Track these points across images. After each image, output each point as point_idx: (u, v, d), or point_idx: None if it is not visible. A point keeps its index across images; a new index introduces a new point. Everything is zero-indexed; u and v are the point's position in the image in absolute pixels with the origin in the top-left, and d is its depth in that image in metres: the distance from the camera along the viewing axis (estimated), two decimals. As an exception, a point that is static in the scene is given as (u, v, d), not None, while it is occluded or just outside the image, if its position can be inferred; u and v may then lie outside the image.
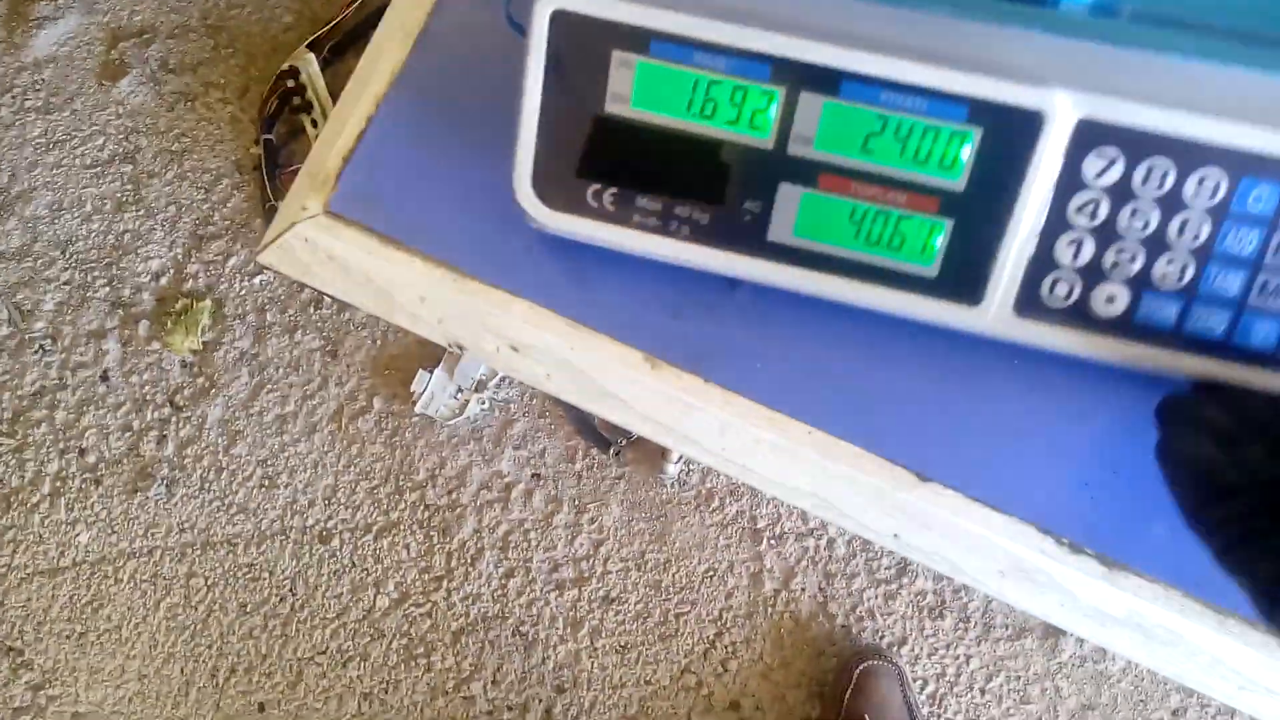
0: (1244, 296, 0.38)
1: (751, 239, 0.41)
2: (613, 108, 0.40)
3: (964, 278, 0.40)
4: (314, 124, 1.43)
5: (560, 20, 0.39)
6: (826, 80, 0.38)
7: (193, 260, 1.44)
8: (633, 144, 0.40)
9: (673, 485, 1.32)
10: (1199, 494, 0.32)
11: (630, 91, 0.40)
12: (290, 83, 1.42)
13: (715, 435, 0.45)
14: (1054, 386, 0.44)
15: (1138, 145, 0.37)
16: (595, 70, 0.40)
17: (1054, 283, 0.39)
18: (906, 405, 0.45)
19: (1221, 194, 0.37)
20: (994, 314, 0.40)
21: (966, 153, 0.38)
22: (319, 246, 0.48)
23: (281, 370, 1.40)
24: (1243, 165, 0.37)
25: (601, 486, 1.33)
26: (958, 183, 0.39)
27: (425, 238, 0.48)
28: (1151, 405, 0.41)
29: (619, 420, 0.46)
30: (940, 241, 0.40)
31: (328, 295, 0.49)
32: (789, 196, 0.40)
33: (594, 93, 0.40)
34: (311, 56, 1.42)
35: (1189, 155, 0.37)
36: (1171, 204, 0.38)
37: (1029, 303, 0.40)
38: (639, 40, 0.39)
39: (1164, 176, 0.37)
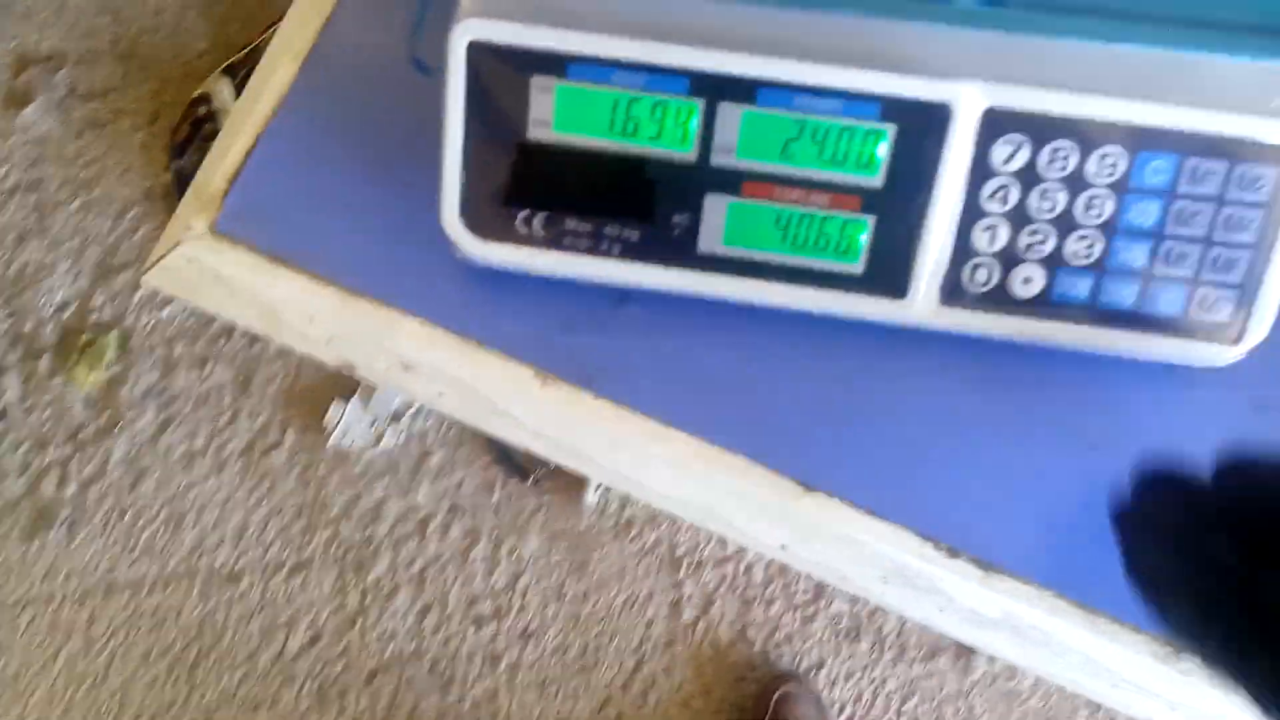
0: (1150, 266, 0.40)
1: (683, 252, 0.42)
2: (535, 133, 0.41)
3: (889, 272, 0.42)
4: (226, 152, 1.40)
5: (477, 51, 0.40)
6: (743, 90, 0.39)
7: (99, 292, 1.40)
8: (559, 167, 0.41)
9: (592, 514, 1.32)
10: (1180, 613, 0.32)
11: (552, 116, 0.40)
12: (203, 109, 1.40)
13: (606, 451, 0.45)
14: (937, 394, 0.45)
15: (1041, 129, 0.39)
16: (515, 97, 0.40)
17: (974, 269, 0.41)
18: (792, 414, 0.45)
19: (1121, 169, 0.39)
20: (920, 305, 0.42)
21: (882, 150, 0.40)
22: (205, 266, 0.47)
23: (190, 405, 1.37)
24: (1139, 140, 0.39)
25: (520, 518, 1.32)
26: (876, 180, 0.40)
27: (313, 257, 0.47)
28: (1032, 412, 0.43)
29: (511, 438, 0.46)
30: (864, 238, 0.41)
31: (215, 316, 0.48)
32: (716, 207, 0.41)
33: (516, 119, 0.40)
34: (226, 82, 1.40)
35: (1089, 135, 0.39)
36: (1076, 183, 0.40)
37: (952, 291, 0.41)
38: (556, 64, 0.40)
39: (1067, 157, 0.39)
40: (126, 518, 1.35)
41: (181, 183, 1.41)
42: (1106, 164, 0.39)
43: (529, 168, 0.41)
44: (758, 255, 0.42)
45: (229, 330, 1.38)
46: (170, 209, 1.42)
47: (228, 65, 1.44)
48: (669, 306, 0.45)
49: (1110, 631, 0.44)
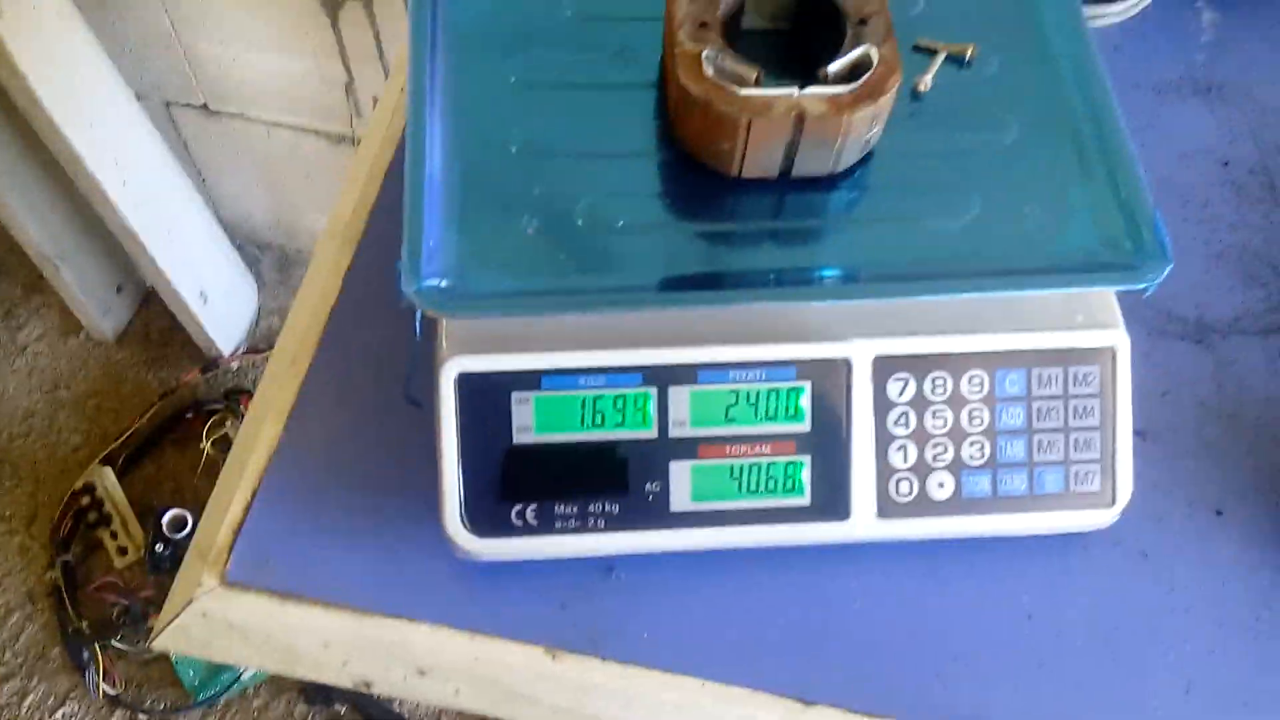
0: (1030, 457, 0.50)
1: (658, 515, 0.49)
2: (520, 438, 0.48)
3: (831, 499, 0.50)
4: (113, 535, 1.40)
5: (463, 380, 0.48)
6: (686, 374, 0.49)
7: (-18, 708, 1.32)
8: (543, 464, 0.48)
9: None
10: None
11: (532, 421, 0.48)
12: (86, 499, 1.41)
13: (621, 709, 0.50)
14: (891, 594, 0.52)
15: (920, 366, 0.49)
16: (500, 411, 0.48)
17: (897, 483, 0.50)
18: (777, 638, 0.51)
19: (987, 387, 0.50)
20: (861, 522, 0.50)
21: (804, 401, 0.49)
22: (217, 618, 0.50)
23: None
24: (994, 362, 0.50)
25: None
26: (805, 426, 0.49)
27: (323, 586, 0.51)
28: (979, 595, 0.52)
29: (528, 718, 0.50)
30: (805, 475, 0.49)
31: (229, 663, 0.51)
32: (680, 472, 0.49)
33: (502, 429, 0.48)
34: (108, 470, 1.42)
35: (956, 364, 0.50)
36: (957, 402, 0.50)
37: (885, 505, 0.50)
38: (532, 380, 0.48)
39: (945, 384, 0.50)
40: None
41: (69, 576, 1.38)
42: (975, 384, 0.50)
43: (518, 468, 0.48)
44: (721, 505, 0.49)
45: (133, 717, 1.31)
46: (54, 606, 1.38)
47: (106, 455, 1.46)
48: (652, 564, 0.51)
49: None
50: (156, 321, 1.58)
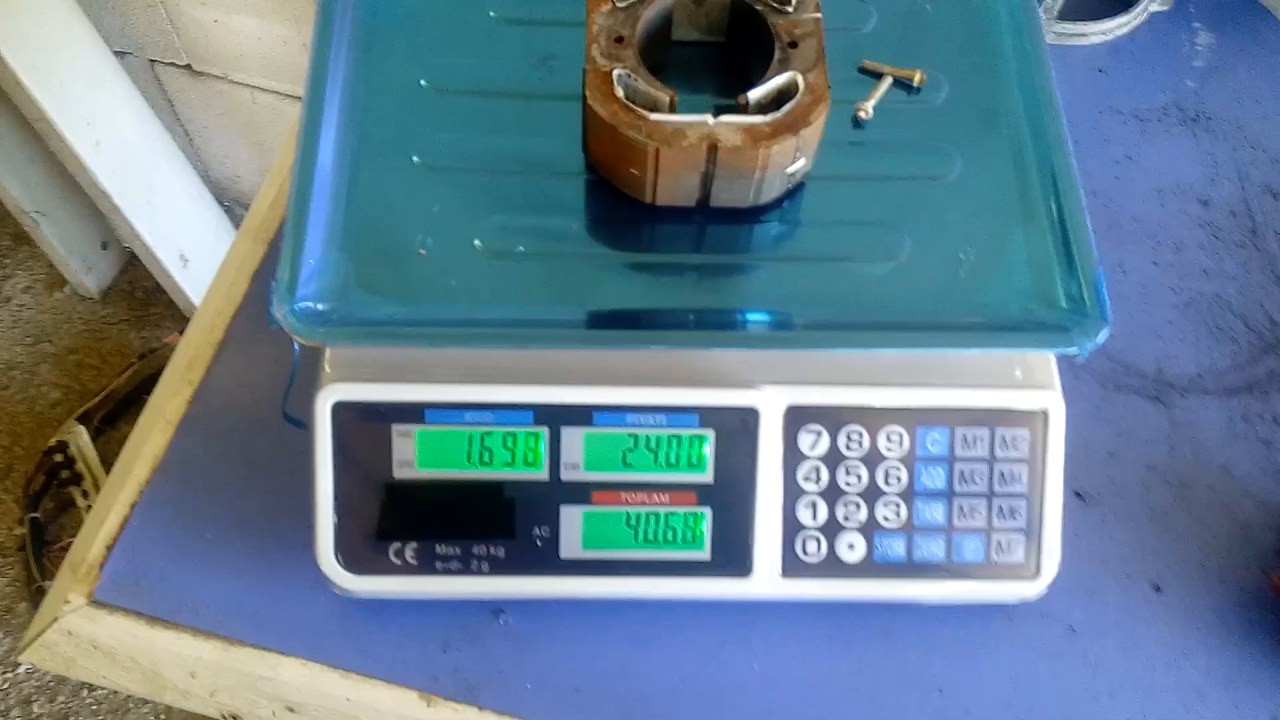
0: (949, 522, 0.46)
1: (546, 561, 0.46)
2: (400, 473, 0.45)
3: (732, 554, 0.46)
4: (84, 495, 1.39)
5: (341, 409, 0.45)
6: (580, 415, 0.45)
7: (-54, 660, 1.32)
8: (425, 500, 0.45)
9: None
10: None
11: (414, 456, 0.45)
12: (59, 457, 1.40)
13: None
14: (792, 659, 0.49)
15: (835, 418, 0.46)
16: (380, 444, 0.45)
17: (804, 542, 0.46)
18: (665, 697, 0.48)
19: (906, 444, 0.46)
20: (764, 580, 0.46)
21: (707, 450, 0.46)
22: (82, 638, 0.48)
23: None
24: (914, 419, 0.46)
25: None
26: (707, 476, 0.46)
27: (193, 612, 0.49)
28: (881, 664, 0.48)
29: None
30: (706, 527, 0.46)
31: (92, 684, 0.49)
32: (571, 517, 0.46)
33: (381, 463, 0.45)
34: (82, 429, 1.41)
35: (874, 418, 0.46)
36: (873, 459, 0.46)
37: (790, 564, 0.46)
38: (414, 413, 0.45)
39: (861, 438, 0.46)
40: None
41: (37, 533, 1.38)
42: (893, 441, 0.46)
43: (397, 504, 0.45)
44: (615, 554, 0.46)
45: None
46: (23, 562, 1.38)
47: (83, 412, 1.45)
48: (542, 610, 0.49)
49: None
50: (142, 280, 1.56)
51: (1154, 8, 0.69)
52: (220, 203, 1.52)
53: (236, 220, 1.58)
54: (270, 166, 0.62)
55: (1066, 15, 0.67)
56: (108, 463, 1.41)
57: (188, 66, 1.28)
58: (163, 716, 1.30)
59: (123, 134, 1.23)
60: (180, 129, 1.42)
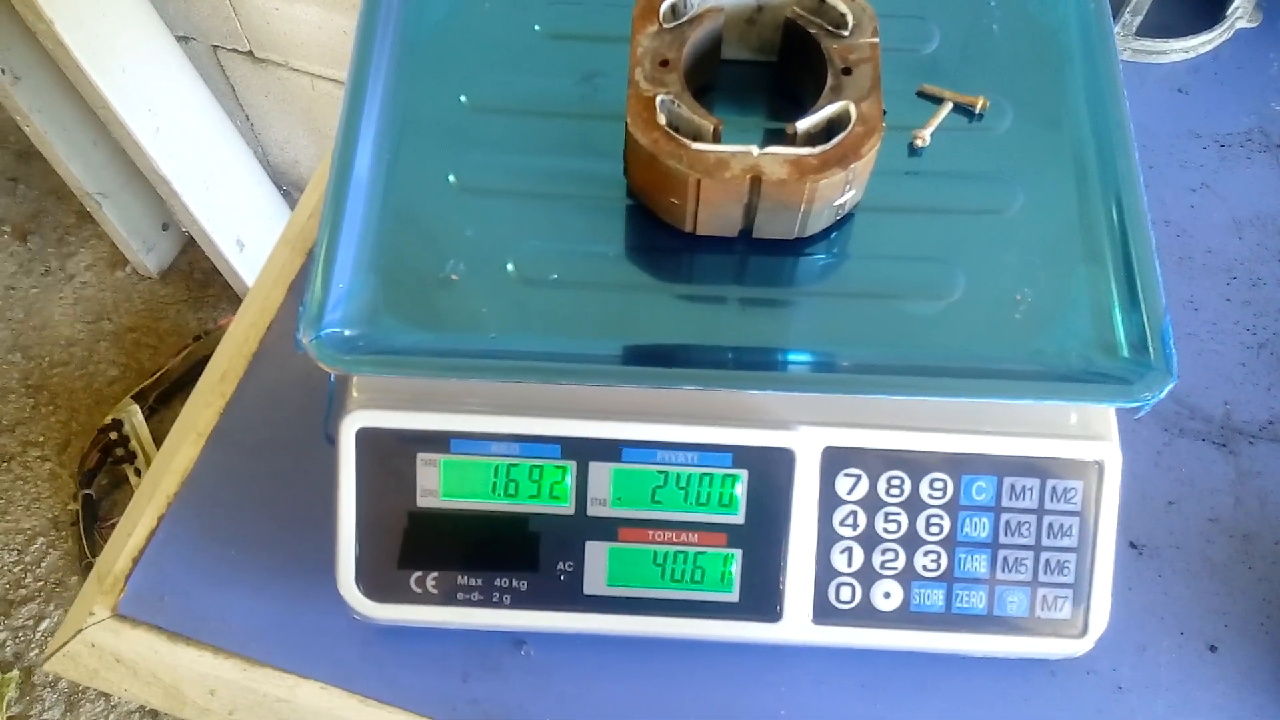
0: (992, 574, 0.44)
1: (570, 596, 0.45)
2: (424, 501, 0.44)
3: (762, 598, 0.45)
4: (138, 473, 1.42)
5: (366, 436, 0.44)
6: (609, 450, 0.44)
7: (1, 628, 1.35)
8: (448, 530, 0.44)
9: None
10: None
11: (439, 485, 0.44)
12: (113, 435, 1.42)
13: None
14: (822, 708, 0.47)
15: (875, 462, 0.44)
16: (404, 471, 0.44)
17: (838, 588, 0.44)
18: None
19: (950, 492, 0.44)
20: (793, 625, 0.45)
21: (739, 490, 0.44)
22: (105, 651, 0.48)
23: (96, 739, 1.30)
24: (959, 466, 0.44)
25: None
26: (738, 517, 0.44)
27: (215, 630, 0.49)
28: (915, 715, 0.46)
29: None
30: (735, 569, 0.44)
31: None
32: (596, 553, 0.44)
33: (405, 491, 0.44)
34: (136, 408, 1.44)
35: (916, 464, 0.44)
36: (914, 506, 0.44)
37: (821, 610, 0.44)
38: (439, 442, 0.44)
39: (902, 484, 0.44)
40: None
41: (89, 509, 1.40)
42: (936, 488, 0.44)
43: (419, 533, 0.44)
44: (640, 592, 0.45)
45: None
46: (76, 537, 1.41)
47: (138, 391, 1.47)
48: (564, 644, 0.48)
49: None
50: (200, 262, 1.58)
51: (1241, 24, 0.65)
52: (279, 188, 1.53)
53: (294, 205, 1.59)
54: (327, 154, 0.62)
55: (1146, 31, 0.64)
56: (160, 442, 1.44)
57: (249, 53, 1.29)
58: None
59: (183, 119, 1.24)
60: (241, 114, 1.43)
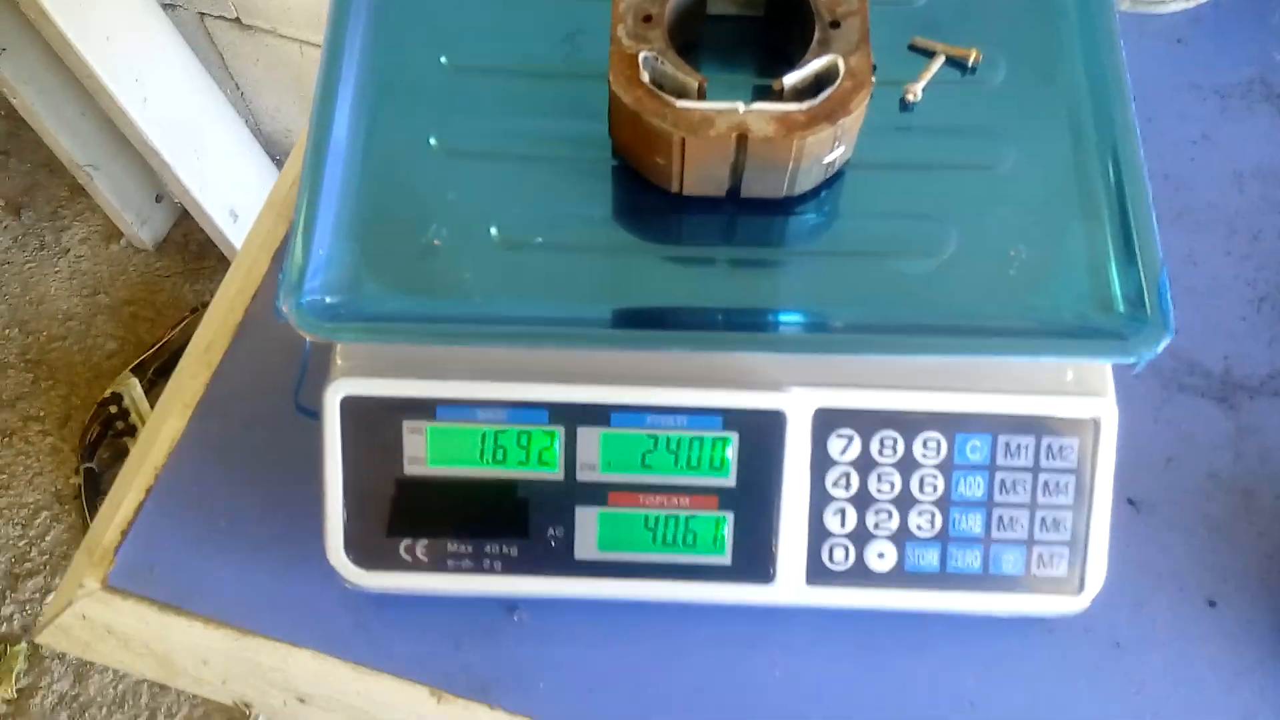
0: (988, 533, 0.44)
1: (561, 561, 0.44)
2: (411, 469, 0.44)
3: (754, 560, 0.44)
4: (138, 447, 1.42)
5: (351, 403, 0.43)
6: (598, 414, 0.43)
7: (7, 602, 1.36)
8: (436, 497, 0.44)
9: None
10: None
11: (425, 453, 0.44)
12: (113, 408, 1.42)
13: None
14: (816, 668, 0.47)
15: (866, 423, 0.43)
16: (390, 439, 0.43)
17: (831, 550, 0.44)
18: (683, 702, 0.47)
19: (944, 451, 0.43)
20: (786, 587, 0.44)
21: (730, 453, 0.43)
22: (97, 622, 0.48)
23: (105, 709, 1.31)
24: (953, 425, 0.43)
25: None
26: (729, 480, 0.44)
27: (206, 600, 0.48)
28: (911, 675, 0.46)
29: None
30: (727, 532, 0.44)
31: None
32: (587, 518, 0.44)
33: (392, 459, 0.44)
34: (135, 380, 1.43)
35: (910, 423, 0.43)
36: (908, 466, 0.44)
37: (815, 571, 0.44)
38: (425, 409, 0.43)
39: (895, 445, 0.44)
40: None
41: (91, 482, 1.41)
42: (930, 447, 0.44)
43: (407, 500, 0.44)
44: (632, 556, 0.44)
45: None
46: (79, 510, 1.41)
47: (137, 364, 1.47)
48: (556, 610, 0.47)
49: None
50: (195, 234, 1.57)
51: (1240, -29, 0.64)
52: (272, 157, 1.52)
53: (288, 174, 1.58)
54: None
55: (1143, -21, 0.62)
56: (161, 414, 1.44)
57: (236, 20, 1.27)
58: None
59: (171, 89, 1.23)
60: (230, 83, 1.42)
